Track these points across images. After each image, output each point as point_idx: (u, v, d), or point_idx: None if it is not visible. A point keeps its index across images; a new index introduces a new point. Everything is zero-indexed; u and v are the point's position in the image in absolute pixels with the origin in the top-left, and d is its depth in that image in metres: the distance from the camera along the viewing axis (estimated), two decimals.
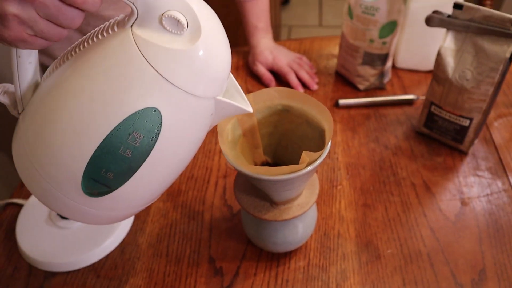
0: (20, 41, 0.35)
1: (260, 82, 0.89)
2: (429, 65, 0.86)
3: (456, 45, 0.63)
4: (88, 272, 0.61)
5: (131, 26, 0.36)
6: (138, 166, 0.38)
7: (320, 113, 0.50)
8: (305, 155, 0.44)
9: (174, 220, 0.66)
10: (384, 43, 0.78)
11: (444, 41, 0.64)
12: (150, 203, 0.45)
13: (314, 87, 0.86)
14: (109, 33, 0.37)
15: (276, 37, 2.07)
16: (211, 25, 0.37)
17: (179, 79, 0.36)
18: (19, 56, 0.39)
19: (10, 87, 0.43)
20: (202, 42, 0.35)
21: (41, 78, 0.42)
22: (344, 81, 0.89)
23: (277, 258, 0.60)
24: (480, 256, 0.60)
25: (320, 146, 0.49)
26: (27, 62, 0.39)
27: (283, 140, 0.55)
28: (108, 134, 0.35)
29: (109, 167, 0.37)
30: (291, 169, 0.44)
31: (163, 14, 0.34)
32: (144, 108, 0.36)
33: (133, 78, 0.35)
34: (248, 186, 0.54)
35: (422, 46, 0.83)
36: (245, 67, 0.94)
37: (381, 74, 0.83)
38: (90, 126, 0.36)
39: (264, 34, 0.91)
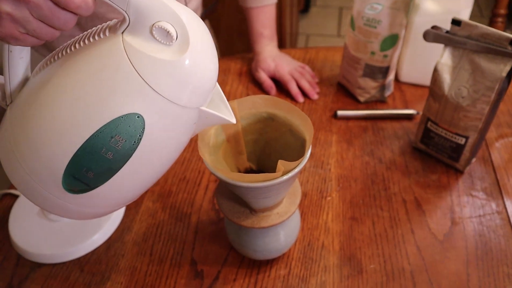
0: (12, 38, 0.36)
1: (261, 89, 0.89)
2: None
3: (453, 61, 0.62)
4: (73, 266, 0.61)
5: (122, 33, 0.36)
6: (119, 168, 0.38)
7: (303, 123, 0.50)
8: (280, 164, 0.44)
9: (161, 221, 0.66)
10: (385, 56, 0.77)
11: (441, 57, 0.63)
12: (128, 203, 0.46)
13: (315, 96, 0.86)
14: (100, 36, 0.38)
15: (293, 45, 2.07)
16: (200, 39, 0.37)
17: (164, 88, 0.36)
18: (11, 51, 0.40)
19: (0, 79, 0.44)
20: (189, 54, 0.36)
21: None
22: (345, 92, 0.88)
23: (258, 266, 0.60)
24: (465, 278, 0.58)
25: (301, 156, 0.49)
26: (18, 57, 0.40)
27: (267, 147, 0.55)
28: (91, 135, 0.36)
29: (90, 166, 0.37)
30: (265, 177, 0.44)
31: (154, 24, 0.35)
32: (128, 114, 0.36)
33: (119, 83, 0.36)
34: (229, 192, 0.54)
35: (426, 60, 0.82)
36: (248, 73, 0.94)
37: (382, 87, 0.82)
38: (74, 126, 0.37)
39: (269, 42, 0.91)
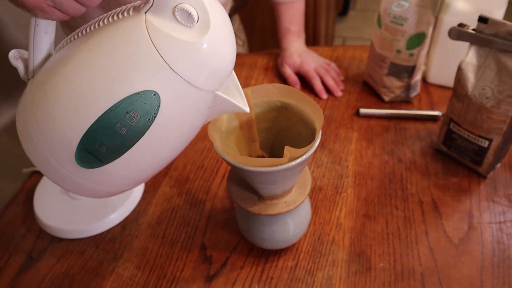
0: (39, 9, 0.38)
1: (287, 84, 0.89)
2: None
3: (478, 60, 0.60)
4: (89, 242, 0.64)
5: (145, 13, 0.38)
6: (131, 144, 0.39)
7: (314, 112, 0.49)
8: (287, 150, 0.44)
9: (176, 205, 0.68)
10: (411, 54, 0.75)
11: (466, 55, 0.61)
12: (138, 184, 0.47)
13: (338, 93, 0.85)
14: (124, 15, 0.39)
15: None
16: (220, 23, 0.38)
17: (182, 69, 0.37)
18: (37, 25, 0.41)
19: (25, 53, 0.46)
20: (209, 37, 0.37)
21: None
22: (370, 91, 0.87)
23: (267, 255, 0.60)
24: (478, 284, 0.56)
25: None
26: (43, 31, 0.42)
27: (279, 137, 0.55)
28: (107, 110, 0.37)
29: (103, 141, 0.39)
30: (271, 162, 0.44)
31: (176, 5, 0.36)
32: (145, 91, 0.37)
33: (139, 60, 0.37)
34: (240, 178, 0.55)
35: (455, 62, 0.79)
36: (274, 69, 0.94)
37: (408, 87, 0.80)
38: (91, 100, 0.38)
39: (296, 38, 0.91)
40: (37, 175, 0.74)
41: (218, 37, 0.38)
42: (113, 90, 0.37)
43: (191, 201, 0.68)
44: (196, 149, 0.77)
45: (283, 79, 0.91)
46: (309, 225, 0.63)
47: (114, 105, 0.37)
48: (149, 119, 0.38)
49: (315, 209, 0.66)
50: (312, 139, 0.50)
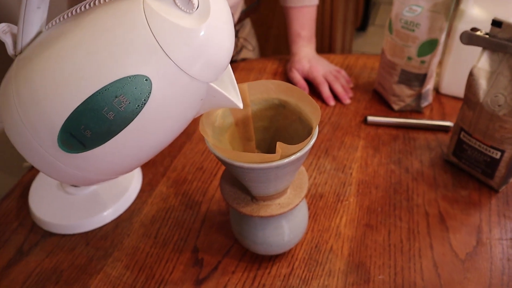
0: None
1: None
2: None
3: (491, 66, 0.57)
4: (80, 239, 0.62)
5: None
6: (118, 131, 0.38)
7: (312, 110, 0.47)
8: (279, 146, 0.42)
9: (171, 206, 0.66)
10: (422, 62, 0.73)
11: (478, 60, 0.58)
12: (121, 174, 0.45)
13: (347, 101, 0.83)
14: None
15: None
16: (220, 12, 0.37)
17: (178, 55, 0.36)
18: None
19: (14, 28, 0.44)
20: (208, 25, 0.35)
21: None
22: (380, 99, 0.84)
23: (260, 261, 0.57)
24: None
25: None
26: (35, 6, 0.40)
27: (277, 136, 0.53)
28: (95, 92, 0.36)
29: (88, 124, 0.37)
30: (262, 158, 0.42)
31: None
32: (137, 75, 0.36)
33: (133, 43, 0.36)
34: (233, 178, 0.53)
35: (467, 73, 0.76)
36: (283, 74, 0.92)
37: (419, 96, 0.77)
38: (79, 80, 0.36)
39: (306, 43, 0.89)
40: (35, 170, 0.73)
41: (217, 26, 0.36)
42: (103, 72, 0.36)
43: (187, 203, 0.66)
44: (197, 150, 0.75)
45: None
46: (306, 232, 0.60)
47: (103, 87, 0.36)
48: (138, 105, 0.37)
49: (314, 215, 0.63)
50: (307, 136, 0.47)
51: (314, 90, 0.86)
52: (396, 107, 0.79)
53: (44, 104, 0.38)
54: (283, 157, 0.43)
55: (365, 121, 0.78)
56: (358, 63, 0.95)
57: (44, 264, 0.59)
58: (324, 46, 1.75)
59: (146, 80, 0.36)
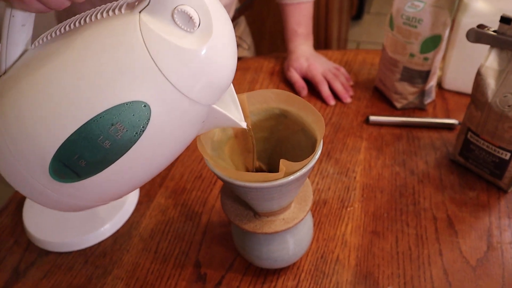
0: None
1: (293, 89, 0.85)
2: None
3: (500, 65, 0.55)
4: (78, 256, 0.60)
5: (140, 12, 0.33)
6: (115, 159, 0.35)
7: (315, 121, 0.45)
8: (282, 164, 0.39)
9: (171, 218, 0.64)
10: (425, 59, 0.70)
11: (486, 59, 0.56)
12: (115, 200, 0.43)
13: (347, 100, 0.80)
14: (114, 13, 0.35)
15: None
16: (223, 30, 0.34)
17: (178, 79, 0.33)
18: (13, 16, 0.37)
19: None
20: (210, 45, 0.33)
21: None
22: (381, 97, 0.81)
23: (265, 274, 0.55)
24: None
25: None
26: (20, 23, 0.37)
27: (278, 147, 0.51)
28: (89, 120, 0.33)
29: (83, 154, 0.35)
30: (265, 177, 0.40)
31: (176, 7, 0.32)
32: (134, 101, 0.33)
33: (129, 66, 0.33)
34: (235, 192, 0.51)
35: (474, 67, 0.73)
36: (280, 73, 0.90)
37: (422, 93, 0.75)
38: (71, 107, 0.34)
39: (304, 41, 0.86)
40: None
41: (220, 46, 0.34)
42: (98, 98, 0.33)
43: (186, 214, 0.64)
44: (194, 157, 0.73)
45: (289, 84, 0.86)
46: (311, 242, 0.58)
47: (98, 115, 0.33)
48: (136, 133, 0.34)
49: (318, 224, 0.61)
50: (312, 150, 0.45)
51: (313, 89, 0.84)
52: (398, 105, 0.77)
53: (33, 132, 0.35)
54: (287, 174, 0.40)
55: (367, 121, 0.75)
56: (357, 58, 0.92)
57: (41, 286, 0.57)
58: (320, 36, 1.71)
59: (145, 106, 0.33)
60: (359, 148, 0.72)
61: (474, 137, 0.61)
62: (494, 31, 0.55)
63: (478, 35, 0.54)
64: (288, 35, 0.87)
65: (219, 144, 0.47)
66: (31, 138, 0.35)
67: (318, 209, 0.63)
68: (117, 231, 0.62)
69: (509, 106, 0.54)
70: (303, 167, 0.41)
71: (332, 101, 0.80)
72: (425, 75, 0.72)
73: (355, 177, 0.67)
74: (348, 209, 0.63)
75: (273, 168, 0.52)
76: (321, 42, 1.73)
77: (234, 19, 0.88)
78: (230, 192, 0.51)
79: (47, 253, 0.61)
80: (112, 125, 0.33)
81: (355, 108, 0.80)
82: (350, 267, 0.55)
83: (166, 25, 0.33)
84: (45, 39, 0.39)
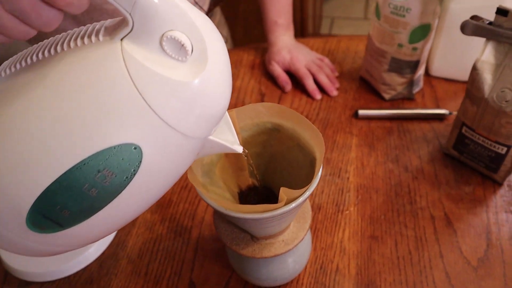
0: None
1: (276, 84, 0.81)
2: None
3: (497, 58, 0.52)
4: (62, 285, 0.56)
5: (122, 39, 0.29)
6: (103, 206, 0.31)
7: (313, 137, 0.42)
8: (283, 193, 0.36)
9: (159, 235, 0.60)
10: (414, 49, 0.67)
11: (482, 53, 0.53)
12: (103, 238, 0.39)
13: (334, 93, 0.77)
14: (91, 40, 0.30)
15: (316, 29, 1.96)
16: (219, 55, 0.30)
17: (171, 115, 0.29)
18: None
19: None
20: (206, 75, 0.29)
21: None
22: (368, 88, 0.79)
23: None
24: None
25: (309, 177, 0.41)
26: None
27: (272, 162, 0.48)
28: (71, 168, 0.29)
29: (66, 204, 0.30)
30: (265, 208, 0.37)
31: (164, 33, 0.28)
32: (123, 144, 0.29)
33: (114, 104, 0.28)
34: None
35: (462, 52, 0.72)
36: (261, 66, 0.85)
37: (410, 83, 0.73)
38: (48, 154, 0.29)
39: (284, 31, 0.82)
40: None
41: (217, 74, 0.30)
42: (80, 143, 0.29)
43: (175, 229, 0.61)
44: None
45: (272, 78, 0.82)
46: (310, 255, 0.56)
47: (81, 161, 0.29)
48: (127, 177, 0.30)
49: (315, 231, 0.58)
50: (310, 167, 0.42)
51: (297, 82, 0.80)
52: (386, 96, 0.74)
53: (4, 182, 0.30)
54: (287, 202, 0.37)
55: (356, 115, 0.73)
56: (340, 46, 0.89)
57: None
58: (296, 17, 1.66)
59: (135, 148, 0.29)
60: (350, 146, 0.69)
61: (469, 132, 0.59)
62: (489, 23, 0.52)
63: (474, 28, 0.52)
64: (267, 26, 0.82)
65: (210, 166, 0.43)
66: (2, 189, 0.31)
67: (313, 215, 0.60)
68: (103, 254, 0.59)
69: (506, 101, 0.52)
70: (302, 193, 0.38)
71: (318, 95, 0.77)
72: (414, 65, 0.70)
73: (348, 178, 0.65)
74: (344, 213, 0.60)
75: (268, 183, 0.49)
76: (297, 21, 1.68)
77: (209, 11, 0.83)
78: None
79: (28, 284, 0.56)
80: (99, 171, 0.29)
81: (342, 101, 0.77)
82: (351, 276, 0.54)
83: (153, 54, 0.28)
84: (10, 70, 0.33)
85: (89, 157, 0.29)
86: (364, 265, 0.55)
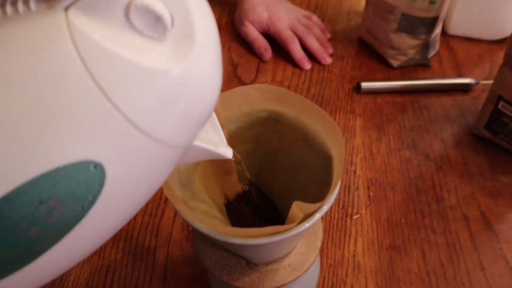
0: None
1: (251, 51, 0.78)
2: (498, 32, 0.73)
3: None
4: None
5: (66, 9, 0.24)
6: (47, 248, 0.27)
7: (327, 128, 0.39)
8: (296, 208, 0.34)
9: (112, 261, 0.56)
10: (432, 2, 0.66)
11: None
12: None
13: (327, 60, 0.76)
14: (17, 10, 0.25)
15: None
16: (209, 33, 0.27)
17: (144, 117, 0.25)
18: None
19: None
20: (193, 61, 0.26)
21: None
22: (370, 53, 0.77)
23: None
24: None
25: (323, 182, 0.39)
26: None
27: (269, 162, 0.45)
28: None
29: None
30: (274, 231, 0.34)
31: (131, 1, 0.24)
32: (78, 162, 0.24)
33: (62, 106, 0.23)
34: None
35: (488, 4, 0.71)
36: (229, 28, 0.82)
37: (425, 46, 0.71)
38: None
39: None
40: None
41: (206, 62, 0.27)
42: (10, 165, 0.24)
43: (134, 252, 0.57)
44: None
45: (245, 44, 0.79)
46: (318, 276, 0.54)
47: (12, 191, 0.25)
48: (82, 207, 0.26)
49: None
50: (325, 169, 0.40)
51: (279, 49, 0.77)
52: (395, 63, 0.73)
53: None
54: (303, 218, 0.35)
55: (357, 88, 0.71)
56: (330, 0, 0.86)
57: None
58: None
59: (95, 167, 0.25)
60: (353, 129, 0.67)
61: (507, 108, 0.58)
62: None
63: None
64: None
65: (188, 173, 0.40)
66: None
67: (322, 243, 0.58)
68: None
69: None
70: (322, 205, 0.35)
71: (307, 65, 0.75)
72: (430, 23, 0.68)
73: (355, 171, 0.63)
74: (354, 217, 0.59)
75: (262, 187, 0.46)
76: None
77: None
78: None
79: None
80: (41, 203, 0.25)
81: (339, 71, 0.75)
82: None
83: (117, 30, 0.24)
84: None
85: (24, 184, 0.24)
86: (386, 284, 0.53)
